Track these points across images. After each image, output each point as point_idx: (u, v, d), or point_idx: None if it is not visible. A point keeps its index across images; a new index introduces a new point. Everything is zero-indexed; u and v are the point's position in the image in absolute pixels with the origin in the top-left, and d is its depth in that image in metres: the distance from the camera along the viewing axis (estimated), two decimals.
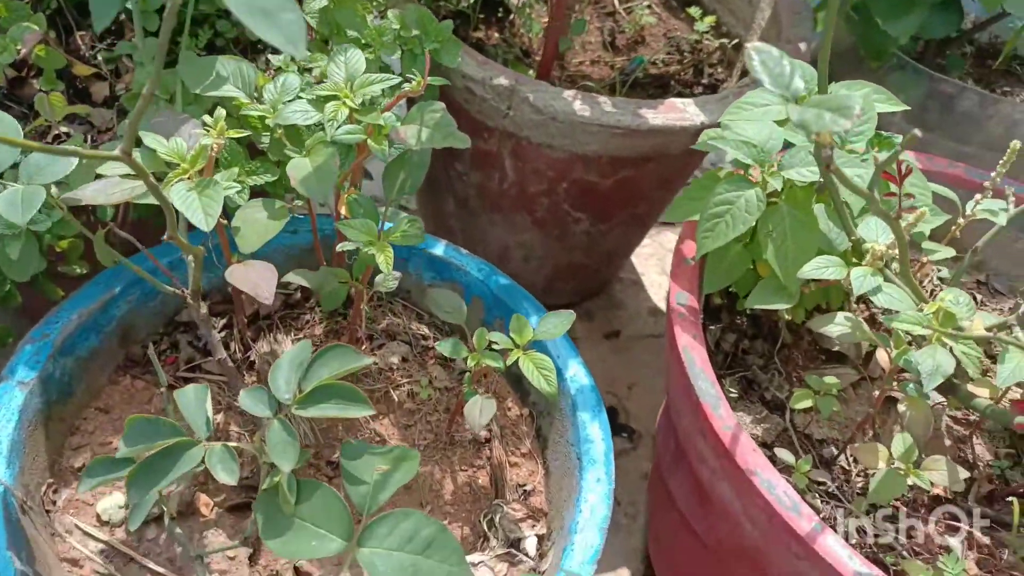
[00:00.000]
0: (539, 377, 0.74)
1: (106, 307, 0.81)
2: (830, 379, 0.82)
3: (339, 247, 0.72)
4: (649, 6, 1.40)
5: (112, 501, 0.76)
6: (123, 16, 0.91)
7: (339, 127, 0.71)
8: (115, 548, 0.73)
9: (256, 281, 0.69)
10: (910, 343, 0.74)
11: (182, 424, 0.60)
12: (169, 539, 0.74)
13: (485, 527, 0.80)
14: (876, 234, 0.73)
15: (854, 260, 0.76)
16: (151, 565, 0.73)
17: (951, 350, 0.66)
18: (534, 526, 0.81)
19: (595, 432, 0.81)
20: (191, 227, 0.68)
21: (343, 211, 0.75)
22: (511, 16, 1.31)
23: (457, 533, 0.81)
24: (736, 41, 1.32)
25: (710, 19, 1.34)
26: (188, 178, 0.63)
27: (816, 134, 0.48)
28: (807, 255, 0.76)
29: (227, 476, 0.55)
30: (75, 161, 0.59)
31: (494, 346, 0.76)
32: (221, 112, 0.67)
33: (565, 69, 1.28)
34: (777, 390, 0.90)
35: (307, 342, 0.59)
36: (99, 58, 0.89)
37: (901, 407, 0.74)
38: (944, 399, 0.90)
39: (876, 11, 1.11)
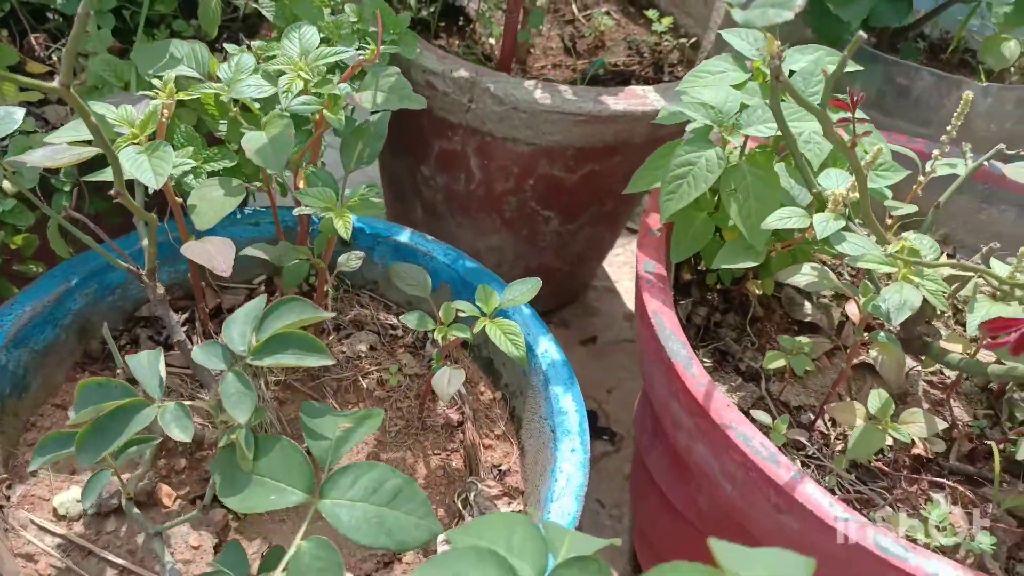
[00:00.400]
0: (507, 342, 0.73)
1: (61, 300, 0.79)
2: (802, 339, 0.81)
3: (296, 211, 0.71)
4: (607, 12, 1.43)
5: (69, 495, 0.73)
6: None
7: (294, 98, 0.70)
8: (73, 542, 0.70)
9: (213, 253, 0.68)
10: (877, 292, 0.73)
11: (137, 390, 0.58)
12: (130, 531, 0.71)
13: (460, 506, 0.78)
14: (836, 183, 0.74)
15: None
16: (111, 557, 0.70)
17: (917, 287, 0.66)
18: (510, 503, 0.79)
19: (568, 404, 0.80)
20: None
21: (301, 185, 0.74)
22: (472, 24, 1.33)
23: None
24: (694, 40, 1.34)
25: (667, 20, 1.36)
26: (138, 143, 0.62)
27: (764, 48, 0.48)
28: (770, 211, 0.76)
29: (181, 432, 0.53)
30: (19, 118, 0.58)
31: (460, 314, 0.75)
32: (170, 75, 0.66)
33: (528, 73, 1.29)
34: (751, 360, 0.89)
35: (262, 296, 0.58)
36: (53, 58, 0.89)
37: (873, 352, 0.73)
38: (918, 362, 0.90)
39: None
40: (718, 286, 0.95)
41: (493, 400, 0.89)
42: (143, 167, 0.59)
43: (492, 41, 1.30)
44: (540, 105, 1.03)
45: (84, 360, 0.82)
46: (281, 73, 0.72)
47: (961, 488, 0.80)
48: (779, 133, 0.75)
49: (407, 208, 1.34)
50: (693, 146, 0.78)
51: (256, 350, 0.54)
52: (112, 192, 0.56)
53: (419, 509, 0.54)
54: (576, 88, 1.05)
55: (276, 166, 0.68)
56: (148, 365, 0.56)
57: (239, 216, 0.90)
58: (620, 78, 1.26)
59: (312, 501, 0.53)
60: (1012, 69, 1.37)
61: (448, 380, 0.72)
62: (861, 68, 0.82)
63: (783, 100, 0.80)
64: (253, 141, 0.70)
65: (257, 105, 0.80)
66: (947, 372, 0.91)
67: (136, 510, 0.67)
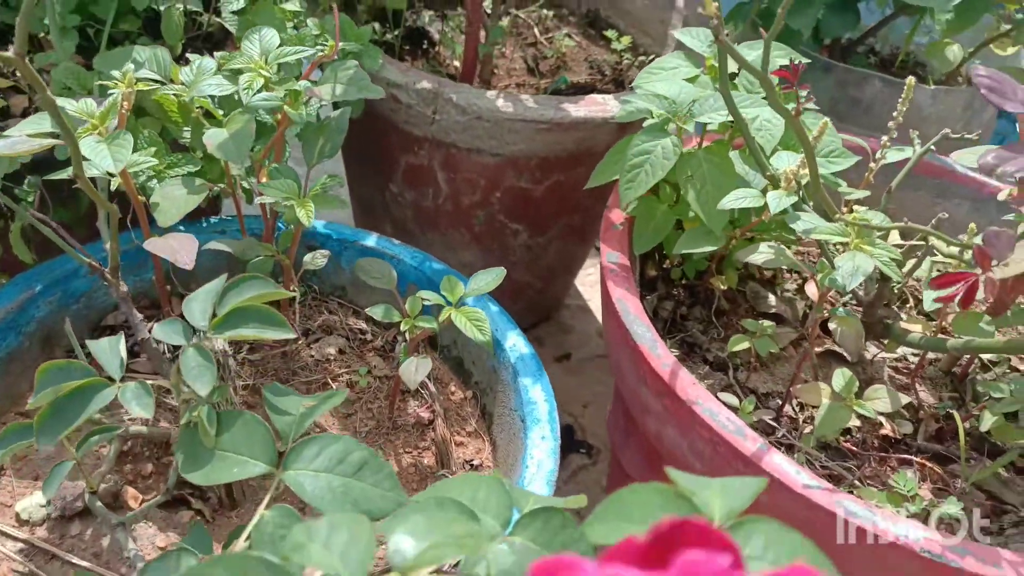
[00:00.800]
0: (472, 328, 0.73)
1: (25, 307, 0.78)
2: (765, 323, 0.82)
3: (257, 200, 0.71)
4: (568, 34, 1.46)
5: (32, 500, 0.72)
6: (42, 34, 0.92)
7: (255, 94, 0.72)
8: (36, 546, 0.69)
9: (175, 248, 0.68)
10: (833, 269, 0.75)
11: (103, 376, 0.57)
12: (95, 534, 0.70)
13: None
14: (788, 163, 0.76)
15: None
16: (75, 560, 0.68)
17: (870, 256, 0.67)
18: None
19: (537, 394, 0.80)
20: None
21: (264, 180, 0.75)
22: (436, 47, 1.35)
23: None
24: (652, 57, 1.38)
25: (627, 39, 1.40)
26: (99, 133, 0.63)
27: (703, 6, 0.50)
28: (726, 195, 0.77)
29: (142, 409, 0.53)
30: None
31: (426, 303, 0.76)
32: (129, 66, 0.67)
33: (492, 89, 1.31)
34: (719, 350, 0.90)
35: (223, 276, 0.58)
36: (17, 73, 0.90)
37: (832, 324, 0.75)
38: (882, 347, 0.91)
39: (779, 7, 1.17)
40: (683, 281, 0.96)
41: (464, 399, 0.89)
42: (102, 153, 0.59)
43: (456, 64, 1.33)
44: (502, 113, 1.05)
45: None
46: (241, 72, 0.73)
47: (929, 464, 0.80)
48: (731, 119, 0.78)
49: (377, 227, 1.35)
50: (649, 135, 0.80)
51: (217, 324, 0.54)
52: (72, 175, 0.56)
53: (385, 481, 0.54)
54: (537, 97, 1.07)
55: (237, 158, 0.69)
56: (109, 348, 0.56)
57: (205, 224, 0.90)
58: (582, 91, 1.28)
59: (276, 472, 0.52)
60: (960, 78, 1.42)
61: (416, 368, 0.72)
62: (807, 60, 0.85)
63: (734, 89, 0.83)
64: (215, 137, 0.71)
65: (221, 112, 0.81)
66: (911, 358, 0.93)
67: (99, 503, 0.66)
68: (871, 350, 0.92)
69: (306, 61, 0.79)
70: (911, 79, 0.81)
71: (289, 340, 0.88)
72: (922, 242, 0.81)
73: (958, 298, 0.59)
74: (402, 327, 0.76)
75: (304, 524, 0.35)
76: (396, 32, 1.31)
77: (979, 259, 0.59)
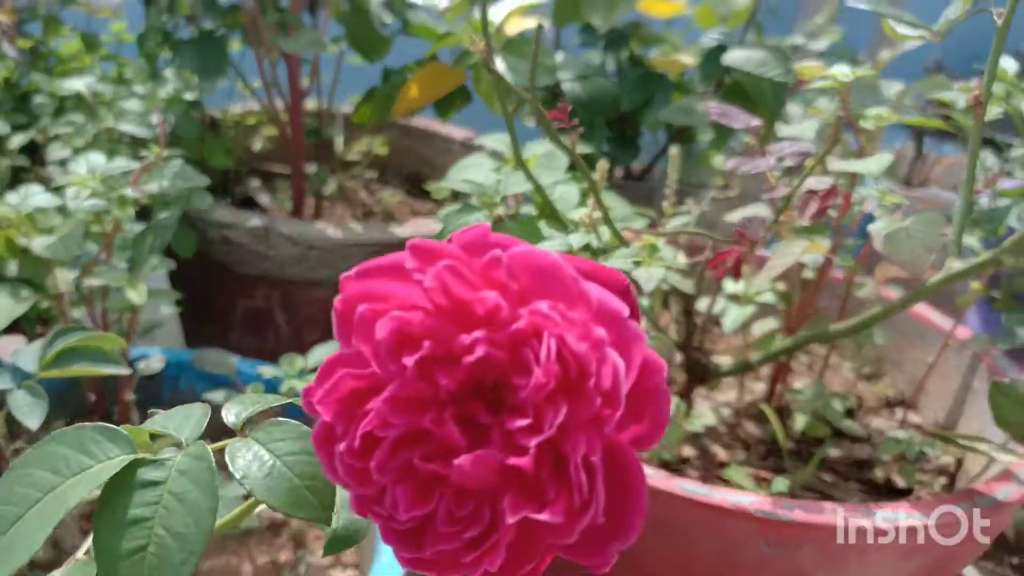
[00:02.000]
0: None
1: None
2: None
3: (86, 282, 0.73)
4: (393, 194, 1.59)
5: None
6: None
7: (84, 202, 0.75)
8: None
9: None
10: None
11: None
12: None
13: None
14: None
15: None
16: None
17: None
18: (344, 571, 0.76)
19: None
20: None
21: (94, 283, 0.77)
22: (266, 212, 1.43)
23: None
24: None
25: (445, 189, 1.54)
26: None
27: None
28: None
29: None
30: None
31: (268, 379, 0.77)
32: None
33: None
34: None
35: (55, 327, 0.58)
36: None
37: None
38: (708, 393, 0.99)
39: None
40: None
41: None
42: None
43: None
44: (333, 239, 1.12)
45: None
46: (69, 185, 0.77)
47: (763, 474, 0.87)
48: (530, 188, 0.89)
49: None
50: (463, 211, 0.89)
51: (48, 362, 0.54)
52: None
53: None
54: (365, 223, 1.16)
55: (66, 254, 0.71)
56: None
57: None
58: None
59: None
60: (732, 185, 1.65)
61: None
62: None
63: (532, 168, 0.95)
64: (43, 242, 0.73)
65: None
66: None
67: None
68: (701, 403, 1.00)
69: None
70: (674, 148, 0.96)
71: None
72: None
73: (730, 269, 0.69)
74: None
75: None
76: (228, 199, 1.38)
77: (739, 240, 0.69)
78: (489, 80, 1.29)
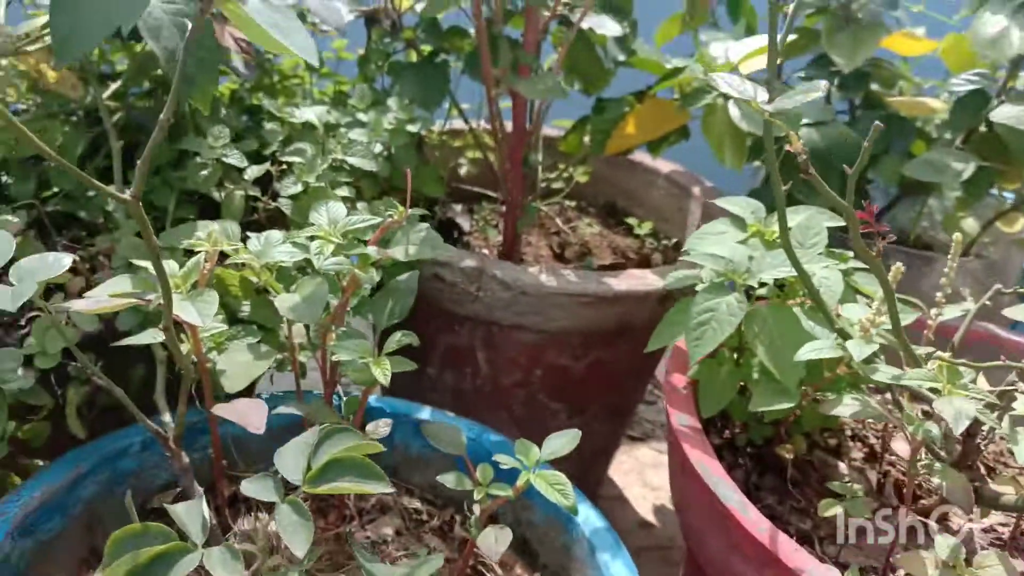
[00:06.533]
0: (555, 493, 0.69)
1: (73, 486, 0.74)
2: (854, 486, 0.78)
3: (332, 357, 0.70)
4: (589, 224, 1.52)
5: None
6: (101, 219, 0.95)
7: (326, 260, 0.72)
8: None
9: (244, 411, 0.65)
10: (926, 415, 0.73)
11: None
12: None
13: None
14: (858, 314, 0.76)
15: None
16: None
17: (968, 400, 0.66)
18: None
19: (619, 569, 0.74)
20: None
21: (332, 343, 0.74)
22: (466, 237, 1.40)
23: None
24: (675, 241, 1.43)
25: (648, 224, 1.45)
26: (180, 291, 0.62)
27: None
28: (797, 349, 0.77)
29: None
30: (66, 263, 0.58)
31: (501, 466, 0.72)
32: (214, 226, 0.68)
33: None
34: (799, 522, 0.85)
35: (316, 428, 0.55)
36: (77, 256, 0.91)
37: (935, 480, 0.71)
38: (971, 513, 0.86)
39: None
40: (748, 449, 0.93)
41: None
42: (188, 308, 0.58)
43: (486, 251, 1.37)
44: (546, 287, 1.06)
45: (90, 557, 0.75)
46: (312, 239, 0.74)
47: None
48: (791, 276, 0.79)
49: None
50: (711, 294, 0.80)
51: (312, 477, 0.51)
52: (161, 327, 0.55)
53: None
54: (578, 272, 1.09)
55: (310, 320, 0.69)
56: (190, 510, 0.52)
57: (264, 397, 0.88)
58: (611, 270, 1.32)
59: None
60: (971, 253, 1.47)
61: (495, 539, 0.67)
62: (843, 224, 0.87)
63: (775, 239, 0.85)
64: (286, 301, 0.71)
65: (281, 287, 0.82)
66: (999, 528, 0.88)
67: None
68: (955, 521, 0.87)
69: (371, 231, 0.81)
70: (958, 235, 0.83)
71: (343, 522, 0.83)
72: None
73: None
74: (475, 495, 0.71)
75: None
76: (432, 220, 1.35)
77: None
78: (722, 127, 1.20)
